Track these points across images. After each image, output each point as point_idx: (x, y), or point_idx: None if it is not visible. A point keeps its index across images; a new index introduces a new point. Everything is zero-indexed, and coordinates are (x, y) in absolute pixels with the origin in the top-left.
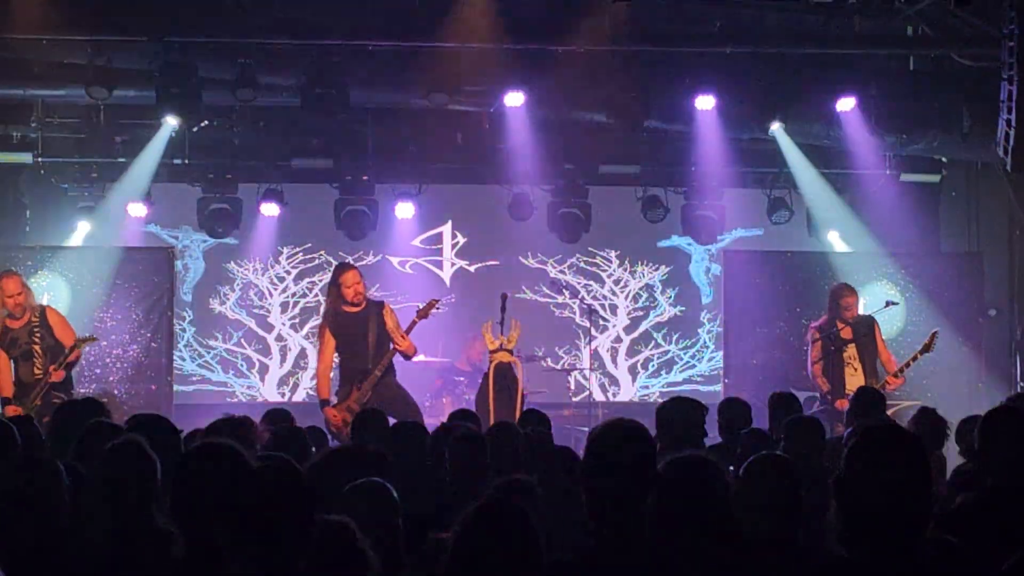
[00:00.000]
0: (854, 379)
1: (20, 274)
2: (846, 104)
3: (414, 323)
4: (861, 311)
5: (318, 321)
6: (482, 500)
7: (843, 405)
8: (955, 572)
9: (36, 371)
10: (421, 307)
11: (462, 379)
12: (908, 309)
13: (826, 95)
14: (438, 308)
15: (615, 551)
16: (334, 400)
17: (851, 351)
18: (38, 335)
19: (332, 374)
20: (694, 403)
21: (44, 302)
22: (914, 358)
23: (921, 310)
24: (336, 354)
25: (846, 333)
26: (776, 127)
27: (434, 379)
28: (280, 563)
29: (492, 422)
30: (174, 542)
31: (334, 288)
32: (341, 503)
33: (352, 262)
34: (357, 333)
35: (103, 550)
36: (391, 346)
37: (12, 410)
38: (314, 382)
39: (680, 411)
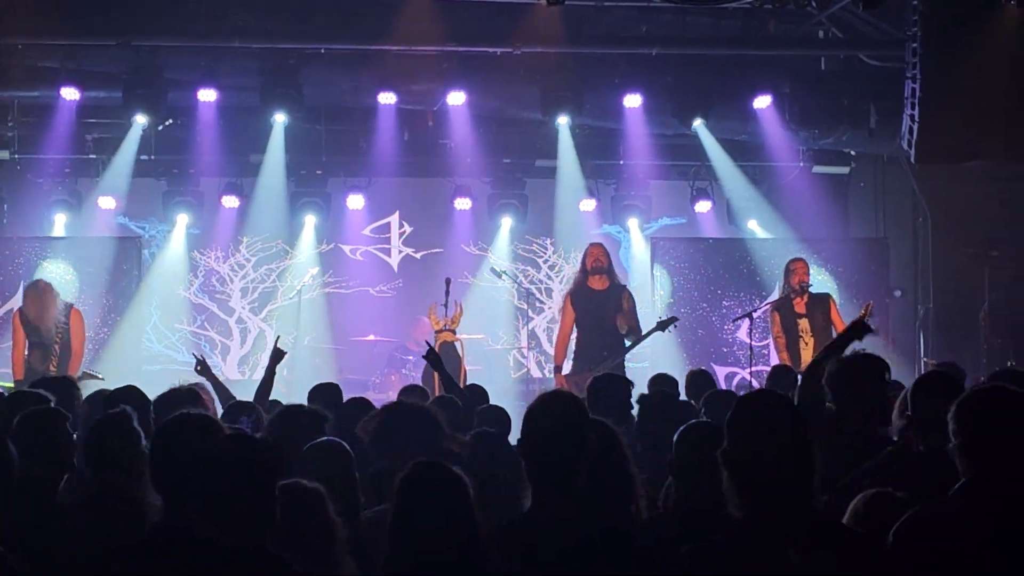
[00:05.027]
0: (806, 352)
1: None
2: (762, 102)
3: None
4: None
5: (276, 305)
6: (412, 465)
7: None
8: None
9: (51, 367)
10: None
11: (410, 358)
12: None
13: (744, 93)
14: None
15: (550, 512)
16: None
17: (803, 325)
18: (59, 336)
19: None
20: (621, 379)
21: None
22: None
23: (832, 291)
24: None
25: (799, 307)
26: (698, 123)
27: (383, 357)
28: (247, 531)
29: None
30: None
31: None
32: (300, 462)
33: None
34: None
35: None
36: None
37: None
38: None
39: (610, 387)
